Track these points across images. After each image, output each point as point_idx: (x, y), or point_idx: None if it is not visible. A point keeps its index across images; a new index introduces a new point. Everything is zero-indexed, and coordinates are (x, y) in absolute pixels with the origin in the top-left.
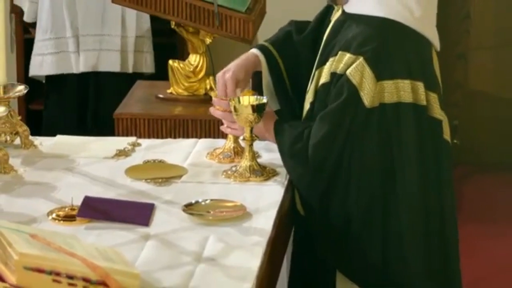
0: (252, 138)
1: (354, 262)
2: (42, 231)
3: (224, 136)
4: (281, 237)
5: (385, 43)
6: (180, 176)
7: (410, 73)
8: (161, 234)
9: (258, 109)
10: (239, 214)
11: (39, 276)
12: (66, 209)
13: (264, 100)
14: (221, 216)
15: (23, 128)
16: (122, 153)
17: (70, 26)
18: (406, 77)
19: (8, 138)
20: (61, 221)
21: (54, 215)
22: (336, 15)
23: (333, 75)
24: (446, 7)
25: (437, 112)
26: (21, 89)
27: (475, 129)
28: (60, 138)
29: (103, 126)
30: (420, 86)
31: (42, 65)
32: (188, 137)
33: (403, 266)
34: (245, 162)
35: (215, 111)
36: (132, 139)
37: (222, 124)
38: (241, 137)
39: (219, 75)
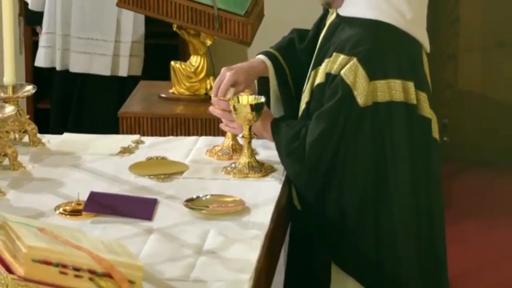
0: (251, 136)
1: (348, 256)
2: (49, 225)
3: (223, 134)
4: (278, 230)
5: (378, 45)
6: (182, 172)
7: (401, 73)
8: (163, 228)
9: (256, 108)
10: (238, 208)
11: (46, 268)
12: (73, 204)
13: (262, 99)
14: (221, 211)
15: (31, 127)
16: (126, 151)
17: (62, 25)
18: (397, 77)
19: (17, 136)
20: (68, 216)
21: (61, 210)
22: (330, 18)
23: (328, 75)
24: (437, 11)
25: (427, 111)
26: (29, 89)
27: (464, 127)
28: (67, 136)
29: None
30: (411, 85)
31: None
32: (189, 135)
33: (395, 260)
34: (244, 159)
35: (215, 110)
36: (136, 137)
37: (221, 122)
38: (240, 135)
39: (223, 69)
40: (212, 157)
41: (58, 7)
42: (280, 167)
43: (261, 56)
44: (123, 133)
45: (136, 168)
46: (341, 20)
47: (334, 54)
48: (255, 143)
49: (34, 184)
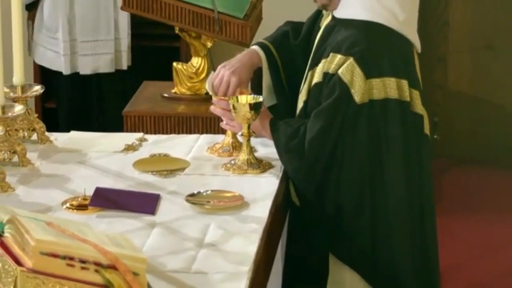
0: (250, 134)
1: (345, 248)
2: (57, 219)
3: (223, 132)
4: (276, 224)
5: (373, 45)
6: (183, 169)
7: (395, 71)
8: (166, 222)
9: (255, 108)
10: (238, 203)
11: (54, 261)
12: (79, 199)
13: (261, 99)
14: (221, 205)
15: (40, 125)
16: (130, 148)
17: (68, 31)
18: (392, 75)
19: (26, 134)
20: (75, 210)
21: (68, 205)
22: (326, 21)
23: (325, 75)
24: (427, 15)
25: (419, 107)
26: (37, 89)
27: (454, 126)
28: (73, 134)
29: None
30: (405, 83)
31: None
32: (190, 133)
33: (390, 251)
34: (243, 156)
35: (215, 109)
36: (140, 134)
37: (222, 121)
38: (239, 133)
39: (221, 70)
40: (213, 154)
41: (63, 16)
42: (277, 164)
43: (256, 48)
44: (127, 131)
45: (139, 164)
46: (337, 22)
47: (331, 54)
48: (254, 140)
49: (42, 180)
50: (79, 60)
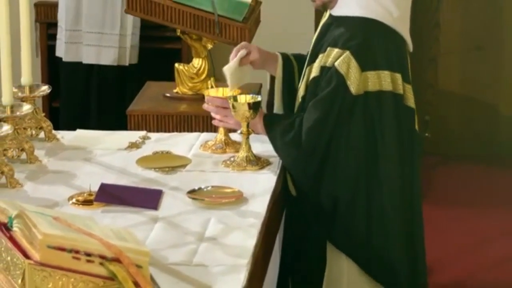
0: (249, 132)
1: (342, 235)
2: (63, 214)
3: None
4: (274, 218)
5: (368, 39)
6: (185, 166)
7: (389, 65)
8: (168, 217)
9: (254, 107)
10: (237, 199)
11: (60, 254)
12: (85, 194)
13: (259, 98)
14: (221, 201)
15: (47, 124)
16: (133, 145)
17: (72, 21)
18: (386, 68)
19: (34, 132)
20: (80, 205)
21: (74, 200)
22: (323, 20)
23: (322, 68)
24: (419, 17)
25: (411, 101)
26: (45, 89)
27: (444, 124)
28: (79, 132)
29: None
30: (398, 77)
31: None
32: (191, 131)
33: (385, 238)
34: (242, 153)
35: (209, 107)
36: (143, 133)
37: (213, 119)
38: (239, 131)
39: (244, 42)
40: (206, 151)
41: (68, 6)
42: (275, 161)
43: (276, 52)
44: (131, 129)
45: (143, 161)
46: (333, 20)
47: (329, 48)
48: (253, 138)
49: (49, 176)
50: (83, 49)
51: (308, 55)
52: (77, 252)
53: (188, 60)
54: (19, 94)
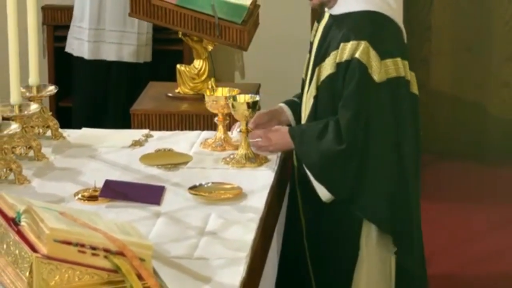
0: (248, 130)
1: (367, 201)
2: (69, 209)
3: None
4: (272, 213)
5: (378, 29)
6: (186, 163)
7: (401, 53)
8: (170, 212)
9: (253, 106)
10: (236, 194)
11: (67, 248)
12: (90, 190)
13: (257, 98)
14: (221, 197)
15: (54, 122)
16: (137, 143)
17: (95, 20)
18: (398, 55)
19: (41, 131)
20: (86, 201)
21: (79, 196)
22: (323, 22)
23: (338, 65)
24: (411, 19)
25: (415, 88)
26: (51, 89)
27: (436, 123)
28: (84, 130)
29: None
30: (406, 64)
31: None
32: (193, 129)
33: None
34: (241, 151)
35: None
36: (146, 131)
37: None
38: (238, 129)
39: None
40: (206, 148)
41: (91, 6)
42: (273, 158)
43: (282, 105)
44: (134, 128)
45: (146, 159)
46: (334, 20)
47: (342, 44)
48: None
49: (55, 173)
50: (105, 47)
51: (312, 58)
52: (82, 245)
53: (190, 61)
54: (27, 94)
